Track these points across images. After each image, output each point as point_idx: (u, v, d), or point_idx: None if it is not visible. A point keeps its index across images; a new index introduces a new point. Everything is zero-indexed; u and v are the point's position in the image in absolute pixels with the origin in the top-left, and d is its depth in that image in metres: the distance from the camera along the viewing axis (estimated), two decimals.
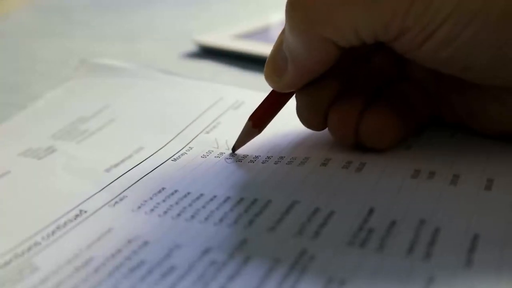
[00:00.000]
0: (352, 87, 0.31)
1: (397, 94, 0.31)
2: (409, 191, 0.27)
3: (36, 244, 0.26)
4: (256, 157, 0.32)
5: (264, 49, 0.49)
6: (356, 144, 0.30)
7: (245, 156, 0.32)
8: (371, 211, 0.26)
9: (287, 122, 0.34)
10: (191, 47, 0.53)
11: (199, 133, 0.35)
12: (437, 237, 0.24)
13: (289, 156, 0.31)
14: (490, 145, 0.31)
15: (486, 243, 0.23)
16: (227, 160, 0.32)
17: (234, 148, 0.32)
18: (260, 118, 0.31)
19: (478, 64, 0.27)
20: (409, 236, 0.24)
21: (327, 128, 0.31)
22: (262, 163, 0.31)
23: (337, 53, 0.28)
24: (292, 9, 0.28)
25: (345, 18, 0.27)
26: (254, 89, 0.39)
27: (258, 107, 0.31)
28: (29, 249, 0.25)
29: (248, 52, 0.49)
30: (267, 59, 0.30)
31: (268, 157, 0.31)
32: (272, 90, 0.31)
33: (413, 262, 0.23)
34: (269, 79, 0.30)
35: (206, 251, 0.24)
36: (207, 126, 0.36)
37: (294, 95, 0.31)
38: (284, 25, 0.29)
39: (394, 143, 0.30)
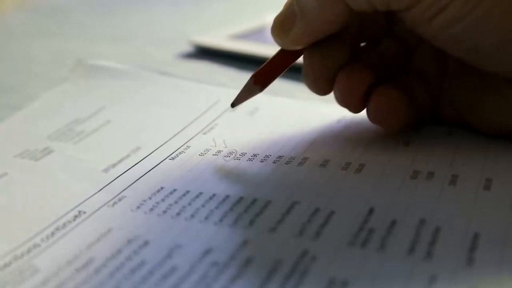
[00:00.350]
0: (362, 61, 0.31)
1: (402, 82, 0.32)
2: (409, 191, 0.27)
3: (36, 245, 0.26)
4: (254, 155, 0.32)
5: (261, 49, 0.49)
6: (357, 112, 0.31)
7: (243, 154, 0.32)
8: (371, 211, 0.26)
9: (284, 120, 0.35)
10: (187, 48, 0.53)
11: (197, 134, 0.35)
12: (437, 236, 0.24)
13: (288, 156, 0.31)
14: (487, 144, 0.31)
15: (487, 242, 0.23)
16: (225, 158, 0.32)
17: (233, 104, 0.32)
18: (262, 76, 0.31)
19: (485, 46, 0.27)
20: (410, 235, 0.24)
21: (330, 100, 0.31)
22: (261, 161, 0.31)
23: (347, 16, 0.28)
24: None
25: None
26: None
27: (263, 65, 0.31)
28: (29, 250, 0.25)
29: (244, 52, 0.49)
30: (276, 16, 0.30)
31: (267, 156, 0.31)
32: (279, 50, 0.31)
33: (414, 261, 0.23)
34: (275, 33, 0.30)
35: (207, 251, 0.24)
36: (205, 128, 0.36)
37: (302, 56, 0.31)
38: None
39: (400, 126, 0.31)
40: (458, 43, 0.28)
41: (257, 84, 0.31)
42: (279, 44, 0.30)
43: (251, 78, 0.31)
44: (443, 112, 0.33)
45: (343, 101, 0.31)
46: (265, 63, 0.31)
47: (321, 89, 0.31)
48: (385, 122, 0.30)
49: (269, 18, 0.58)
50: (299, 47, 0.30)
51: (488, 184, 0.27)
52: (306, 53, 0.31)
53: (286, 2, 0.30)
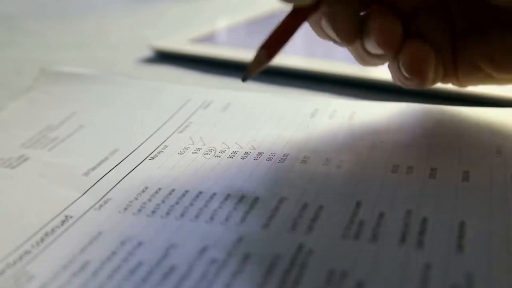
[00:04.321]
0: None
1: (424, 31, 0.31)
2: (392, 185, 0.28)
3: (27, 252, 0.25)
4: (234, 152, 0.32)
5: (223, 52, 0.49)
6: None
7: (222, 152, 0.32)
8: (358, 204, 0.27)
9: (258, 115, 0.35)
10: (147, 53, 0.53)
11: (172, 133, 0.35)
12: (425, 226, 0.25)
13: (268, 153, 0.32)
14: (461, 137, 0.32)
15: (473, 229, 0.24)
16: (205, 156, 0.32)
17: (245, 78, 0.30)
18: (273, 46, 0.30)
19: None
20: (399, 226, 0.25)
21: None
22: (242, 159, 0.31)
23: None
24: None
25: None
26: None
27: (270, 33, 0.30)
28: (21, 258, 0.25)
29: (207, 55, 0.49)
30: None
31: (247, 153, 0.32)
32: (287, 15, 0.30)
33: (407, 250, 0.23)
34: None
35: (203, 249, 0.24)
36: (179, 126, 0.36)
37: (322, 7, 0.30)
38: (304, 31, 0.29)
39: (432, 78, 0.30)
40: None
41: (267, 54, 0.30)
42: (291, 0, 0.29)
43: (261, 49, 0.30)
44: (461, 73, 0.32)
45: (382, 44, 0.29)
46: (272, 31, 0.30)
47: (348, 33, 0.30)
48: (422, 72, 0.29)
49: (225, 21, 0.59)
50: (304, 3, 0.29)
51: (466, 176, 0.28)
52: (328, 2, 0.30)
53: None
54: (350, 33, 0.30)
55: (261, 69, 0.30)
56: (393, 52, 0.30)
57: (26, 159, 0.33)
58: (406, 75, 0.30)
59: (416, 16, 0.31)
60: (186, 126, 0.36)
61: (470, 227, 0.25)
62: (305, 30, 0.32)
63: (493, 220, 0.25)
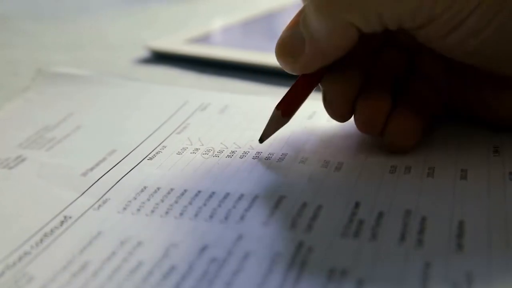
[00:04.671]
0: (374, 80, 0.31)
1: (411, 89, 0.32)
2: (390, 185, 0.28)
3: (26, 253, 0.25)
4: (233, 152, 0.32)
5: (220, 52, 0.49)
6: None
7: (221, 151, 0.32)
8: (357, 204, 0.27)
9: (256, 116, 0.35)
10: (143, 53, 0.53)
11: (170, 134, 0.35)
12: (425, 225, 0.25)
13: (266, 152, 0.32)
14: (458, 137, 0.32)
15: (472, 228, 0.25)
16: (203, 155, 0.32)
17: (262, 139, 0.31)
18: (289, 106, 0.31)
19: (502, 55, 0.28)
20: (399, 225, 0.25)
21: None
22: (240, 158, 0.31)
23: (357, 38, 0.28)
24: None
25: (372, 4, 0.27)
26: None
27: (286, 95, 0.31)
28: (20, 259, 0.25)
29: (203, 55, 0.49)
30: (278, 40, 0.30)
31: (245, 152, 0.32)
32: (299, 77, 0.31)
33: (407, 249, 0.24)
34: (282, 59, 0.30)
35: (203, 248, 0.24)
36: (177, 128, 0.36)
37: (320, 83, 0.31)
38: (301, 6, 0.29)
39: (416, 143, 0.31)
40: (475, 56, 0.28)
41: (284, 115, 0.31)
42: (287, 70, 0.30)
43: (277, 109, 0.31)
44: (454, 109, 0.33)
45: (366, 131, 0.31)
46: (287, 92, 0.31)
47: (342, 116, 0.31)
48: (401, 148, 0.30)
49: (220, 21, 0.59)
50: (308, 72, 0.30)
51: (464, 174, 0.28)
52: (324, 81, 0.31)
53: (289, 26, 0.30)
54: (342, 115, 0.31)
55: (277, 129, 0.31)
56: (374, 134, 0.31)
57: (23, 160, 0.33)
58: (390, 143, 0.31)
59: (419, 50, 0.32)
60: (184, 127, 0.36)
61: (469, 226, 0.25)
62: None
63: (491, 218, 0.25)
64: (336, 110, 0.31)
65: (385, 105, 0.30)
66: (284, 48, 0.30)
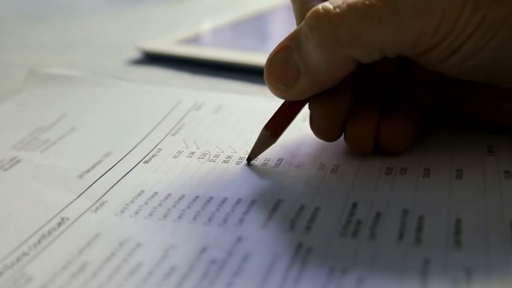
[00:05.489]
0: (363, 95, 0.31)
1: (404, 95, 0.32)
2: (386, 186, 0.28)
3: (24, 254, 0.25)
4: (229, 157, 0.32)
5: (212, 52, 0.49)
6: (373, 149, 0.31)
7: (216, 156, 0.32)
8: (354, 205, 0.27)
9: (250, 118, 0.36)
10: (135, 54, 0.53)
11: (165, 136, 0.35)
12: (422, 224, 0.25)
13: (262, 158, 0.32)
14: (452, 137, 0.32)
15: (470, 225, 0.25)
16: (199, 160, 0.32)
17: (250, 159, 0.31)
18: (277, 127, 0.31)
19: (501, 72, 0.28)
20: (396, 225, 0.25)
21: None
22: (236, 164, 0.32)
23: (354, 68, 0.28)
24: (319, 27, 0.27)
25: (373, 38, 0.27)
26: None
27: (274, 115, 0.31)
28: (18, 259, 0.25)
29: (195, 56, 0.49)
30: (267, 64, 0.29)
31: (241, 158, 0.32)
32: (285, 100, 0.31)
33: (406, 248, 0.24)
34: (273, 86, 0.29)
35: (203, 250, 0.25)
36: (172, 129, 0.36)
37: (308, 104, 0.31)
38: (292, 32, 0.29)
39: (410, 144, 0.31)
40: (475, 73, 0.28)
41: (272, 136, 0.31)
42: (278, 96, 0.30)
43: (265, 130, 0.31)
44: (449, 112, 0.33)
45: (357, 150, 0.31)
46: (274, 113, 0.31)
47: (331, 137, 0.31)
48: (396, 149, 0.31)
49: (211, 22, 0.59)
50: (300, 99, 0.30)
51: (460, 174, 0.29)
52: (311, 104, 0.30)
53: (278, 50, 0.29)
54: (330, 137, 0.31)
55: (265, 149, 0.31)
56: (365, 151, 0.31)
57: (18, 161, 0.33)
58: (383, 147, 0.31)
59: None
60: (179, 129, 0.36)
61: (466, 223, 0.25)
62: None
63: (488, 216, 0.25)
64: (324, 133, 0.31)
65: (372, 122, 0.30)
66: (276, 75, 0.29)
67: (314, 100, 0.30)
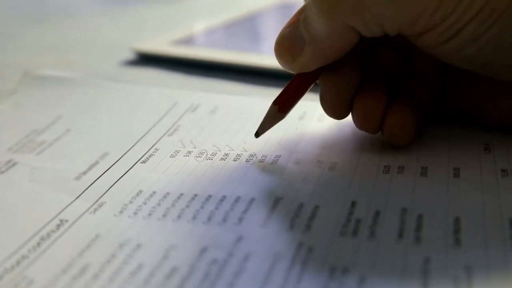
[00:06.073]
0: (369, 77, 0.31)
1: (406, 86, 0.32)
2: (384, 184, 0.28)
3: (24, 257, 0.25)
4: (226, 154, 0.32)
5: (206, 53, 0.49)
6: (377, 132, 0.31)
7: (214, 154, 0.32)
8: (353, 204, 0.27)
9: (246, 118, 0.36)
10: (130, 55, 0.52)
11: (162, 136, 0.35)
12: (421, 222, 0.25)
13: (260, 154, 0.32)
14: (449, 136, 0.32)
15: (468, 224, 0.25)
16: (197, 158, 0.32)
17: (258, 134, 0.32)
18: (286, 102, 0.31)
19: (499, 61, 0.28)
20: (396, 223, 0.25)
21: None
22: (234, 161, 0.32)
23: (357, 41, 0.29)
24: None
25: (374, 11, 0.27)
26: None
27: (283, 91, 0.31)
28: (18, 262, 0.25)
29: (190, 57, 0.49)
30: (278, 37, 0.30)
31: (238, 155, 0.32)
32: (297, 75, 0.31)
33: (406, 246, 0.24)
34: (281, 58, 0.30)
35: (203, 250, 0.25)
36: (168, 130, 0.36)
37: (318, 81, 0.31)
38: (302, 5, 0.29)
39: (412, 139, 0.31)
40: (473, 62, 0.29)
41: (280, 111, 0.31)
42: (285, 67, 0.30)
43: (274, 105, 0.31)
44: (446, 109, 0.33)
45: (363, 127, 0.31)
46: (285, 89, 0.31)
47: (339, 114, 0.31)
48: (400, 140, 0.31)
49: (204, 23, 0.59)
50: (306, 71, 0.30)
51: (457, 172, 0.29)
52: (321, 79, 0.31)
53: (289, 24, 0.30)
54: (339, 113, 0.31)
55: (273, 124, 0.31)
56: (370, 132, 0.31)
57: (14, 164, 0.33)
58: (388, 140, 0.31)
59: (414, 49, 0.32)
60: (175, 129, 0.36)
61: (465, 222, 0.25)
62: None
63: (486, 213, 0.25)
64: (333, 109, 0.31)
65: (381, 102, 0.30)
66: (284, 46, 0.30)
67: (324, 76, 0.31)
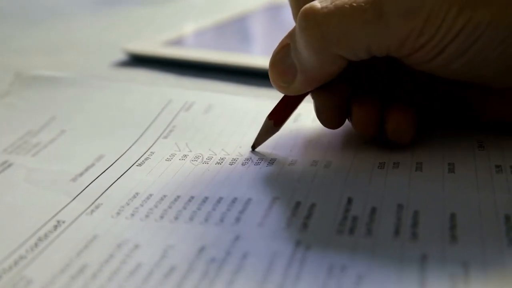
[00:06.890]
0: (363, 86, 0.32)
1: (400, 89, 0.33)
2: (380, 180, 0.29)
3: (22, 257, 0.25)
4: (222, 158, 0.32)
5: (197, 54, 0.49)
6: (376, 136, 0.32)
7: (210, 158, 0.32)
8: (349, 201, 0.27)
9: (241, 119, 0.36)
10: (121, 56, 0.52)
11: (157, 139, 0.35)
12: (418, 219, 0.25)
13: (255, 158, 0.32)
14: (442, 133, 0.33)
15: (464, 220, 0.25)
16: (193, 162, 0.32)
17: (254, 147, 0.33)
18: (280, 116, 0.32)
19: (487, 72, 0.29)
20: (392, 220, 0.26)
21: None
22: (230, 164, 0.32)
23: (345, 65, 0.29)
24: (307, 27, 0.28)
25: (360, 39, 0.27)
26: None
27: (277, 105, 0.32)
28: (16, 263, 0.25)
29: (182, 57, 0.49)
30: (270, 63, 0.30)
31: (234, 159, 0.32)
32: None
33: (402, 243, 0.24)
34: (275, 83, 0.31)
35: (201, 249, 0.25)
36: (164, 131, 0.36)
37: (310, 94, 0.32)
38: (290, 30, 0.30)
39: (412, 137, 0.31)
40: (462, 74, 0.29)
41: (275, 125, 0.32)
42: (280, 92, 0.31)
43: (268, 119, 0.32)
44: (440, 109, 0.34)
45: (363, 132, 0.31)
46: (279, 102, 0.32)
47: (335, 124, 0.32)
48: (402, 140, 0.31)
49: (194, 24, 0.59)
50: (300, 94, 0.31)
51: (452, 168, 0.29)
52: (314, 95, 0.32)
53: (280, 48, 0.30)
54: (334, 124, 0.32)
55: (268, 137, 0.33)
56: (370, 134, 0.31)
57: (10, 165, 0.33)
58: (390, 139, 0.31)
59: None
60: (170, 131, 0.36)
61: (461, 218, 0.25)
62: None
63: (482, 209, 0.26)
64: (327, 121, 0.32)
65: (376, 106, 0.31)
66: (277, 70, 0.30)
67: (316, 89, 0.31)
